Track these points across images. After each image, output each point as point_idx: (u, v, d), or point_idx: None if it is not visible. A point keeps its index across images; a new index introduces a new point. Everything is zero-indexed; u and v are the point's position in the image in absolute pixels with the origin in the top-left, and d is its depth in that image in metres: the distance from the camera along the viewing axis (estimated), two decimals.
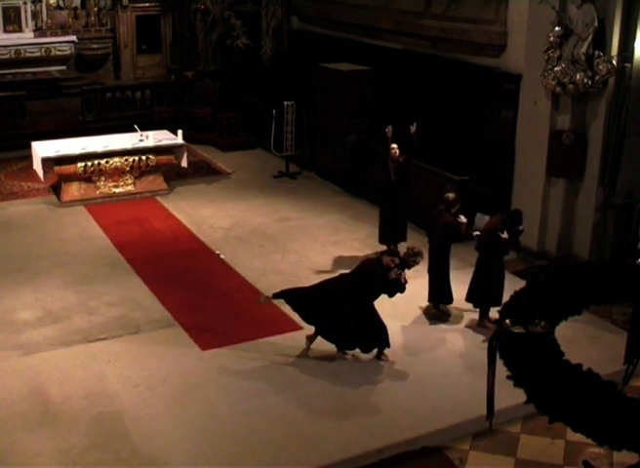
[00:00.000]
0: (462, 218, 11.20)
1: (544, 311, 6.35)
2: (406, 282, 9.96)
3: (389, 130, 12.78)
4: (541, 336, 6.18)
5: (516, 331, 6.22)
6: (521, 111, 13.26)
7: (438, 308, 11.45)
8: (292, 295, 10.18)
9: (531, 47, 12.74)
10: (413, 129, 12.62)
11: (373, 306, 9.95)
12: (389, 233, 13.12)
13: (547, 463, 8.38)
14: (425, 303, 11.49)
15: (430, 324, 11.06)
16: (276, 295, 10.25)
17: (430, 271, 11.30)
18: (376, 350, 10.09)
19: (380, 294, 9.92)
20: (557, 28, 12.00)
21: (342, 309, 9.81)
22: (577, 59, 11.81)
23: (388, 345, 10.01)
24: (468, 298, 11.03)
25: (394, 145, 12.60)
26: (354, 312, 9.84)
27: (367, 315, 9.90)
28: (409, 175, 12.89)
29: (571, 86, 11.90)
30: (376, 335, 10.00)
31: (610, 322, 10.94)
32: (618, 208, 12.26)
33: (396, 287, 9.90)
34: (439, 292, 11.33)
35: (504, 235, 10.52)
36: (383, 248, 12.99)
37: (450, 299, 11.30)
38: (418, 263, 10.09)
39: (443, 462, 8.42)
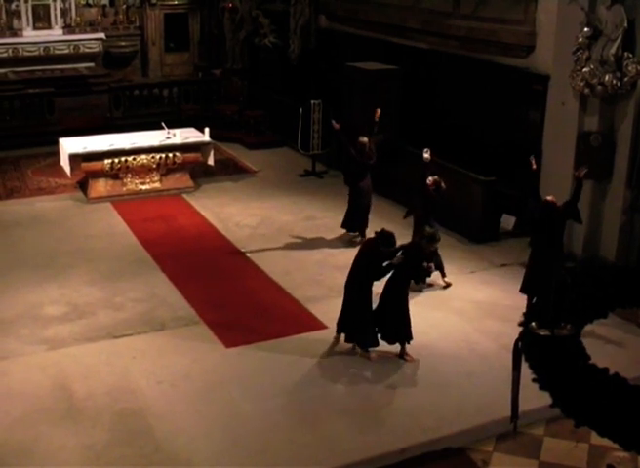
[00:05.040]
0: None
1: (571, 314, 6.31)
2: (430, 269, 10.70)
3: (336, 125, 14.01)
4: (567, 339, 6.13)
5: (542, 333, 6.18)
6: (549, 112, 13.18)
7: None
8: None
9: (559, 48, 12.67)
10: (377, 114, 13.38)
11: (397, 296, 9.93)
12: (347, 221, 13.88)
13: (571, 466, 8.33)
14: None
15: (455, 324, 11.01)
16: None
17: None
18: (399, 347, 10.05)
19: (388, 272, 9.89)
20: (586, 29, 11.92)
21: (357, 297, 9.90)
22: (606, 61, 11.73)
23: (411, 338, 9.97)
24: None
25: (364, 139, 13.25)
26: (381, 301, 9.96)
27: (390, 303, 9.92)
28: (359, 169, 13.54)
29: (599, 87, 11.82)
30: (398, 326, 9.97)
31: (636, 325, 10.85)
32: None
33: (423, 273, 10.48)
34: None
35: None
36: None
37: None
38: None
39: (466, 463, 8.38)
